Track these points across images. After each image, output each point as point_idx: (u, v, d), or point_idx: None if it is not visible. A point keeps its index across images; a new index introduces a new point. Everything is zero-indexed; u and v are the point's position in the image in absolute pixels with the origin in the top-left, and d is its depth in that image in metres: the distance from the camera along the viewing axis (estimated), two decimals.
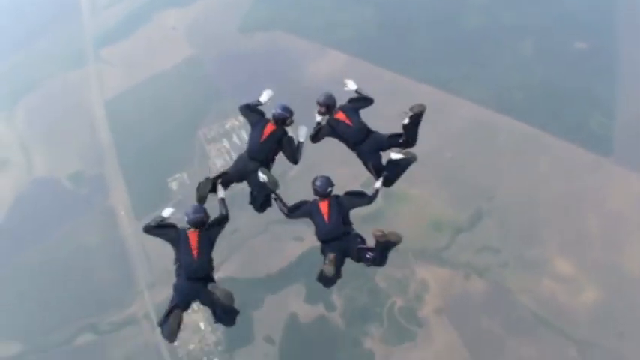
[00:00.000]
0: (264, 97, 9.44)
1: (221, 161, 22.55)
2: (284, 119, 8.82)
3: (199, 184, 8.64)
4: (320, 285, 8.73)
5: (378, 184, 8.82)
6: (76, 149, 24.58)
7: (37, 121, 26.13)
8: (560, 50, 24.76)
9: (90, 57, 27.84)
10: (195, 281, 7.81)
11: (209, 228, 8.04)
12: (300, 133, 9.02)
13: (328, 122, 9.20)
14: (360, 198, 8.65)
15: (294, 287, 19.72)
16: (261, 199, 9.05)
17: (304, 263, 19.85)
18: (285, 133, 8.92)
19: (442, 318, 19.13)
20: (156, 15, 29.29)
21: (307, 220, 8.43)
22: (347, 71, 23.51)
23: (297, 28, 26.61)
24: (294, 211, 8.62)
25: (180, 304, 7.75)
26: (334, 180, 8.38)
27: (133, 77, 26.55)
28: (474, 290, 19.51)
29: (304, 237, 20.04)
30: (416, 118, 9.21)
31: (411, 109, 9.10)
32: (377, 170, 9.14)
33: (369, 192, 8.68)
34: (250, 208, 9.24)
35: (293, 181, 18.34)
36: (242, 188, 9.11)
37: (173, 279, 7.82)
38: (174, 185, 22.28)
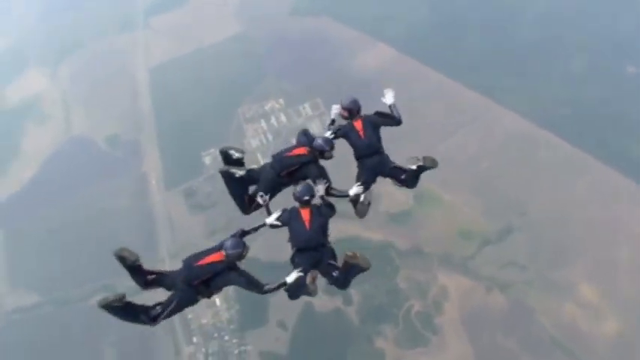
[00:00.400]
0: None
1: (257, 141, 22.57)
2: (322, 151, 8.69)
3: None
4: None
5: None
6: (116, 112, 24.93)
7: (81, 80, 26.61)
8: (612, 72, 23.99)
9: (139, 23, 28.22)
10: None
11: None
12: (319, 187, 8.84)
13: (344, 126, 9.06)
14: (330, 210, 8.49)
15: None
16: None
17: None
18: (316, 160, 8.76)
19: (458, 328, 18.87)
20: None
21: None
22: (394, 67, 23.36)
23: (348, 17, 26.36)
24: (276, 223, 8.48)
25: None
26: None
27: (179, 48, 26.75)
28: (494, 304, 19.16)
29: (329, 227, 19.88)
30: (422, 170, 8.97)
31: (424, 159, 8.86)
32: (365, 184, 8.98)
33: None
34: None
35: None
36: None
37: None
38: (207, 160, 22.29)
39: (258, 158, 21.59)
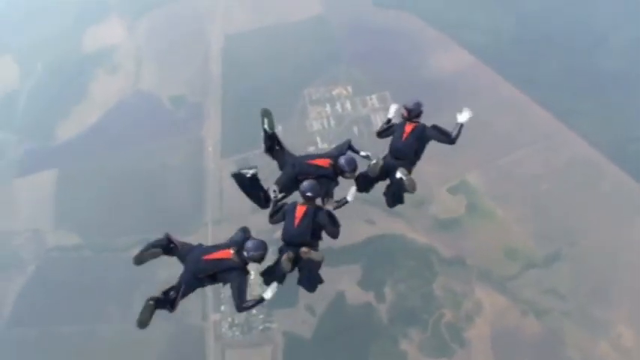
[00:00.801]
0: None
1: (318, 124, 22.40)
2: (342, 171, 8.66)
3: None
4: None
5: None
6: (185, 74, 25.24)
7: (157, 37, 27.03)
8: None
9: None
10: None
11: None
12: (328, 207, 8.82)
13: (397, 124, 8.98)
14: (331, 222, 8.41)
15: (351, 267, 19.56)
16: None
17: (369, 247, 19.70)
18: (335, 177, 8.74)
19: (486, 346, 18.45)
20: None
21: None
22: (469, 73, 22.99)
23: (432, 17, 25.76)
24: (276, 215, 8.46)
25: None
26: None
27: (259, 20, 26.71)
28: (526, 329, 18.70)
29: (376, 221, 19.95)
30: (401, 186, 8.91)
31: (407, 179, 8.77)
32: (364, 183, 8.93)
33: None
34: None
35: None
36: None
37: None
38: None
39: (317, 141, 21.71)
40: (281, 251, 8.49)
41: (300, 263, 8.65)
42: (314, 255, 8.18)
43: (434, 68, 23.57)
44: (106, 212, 21.40)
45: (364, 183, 9.71)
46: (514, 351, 18.51)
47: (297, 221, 8.14)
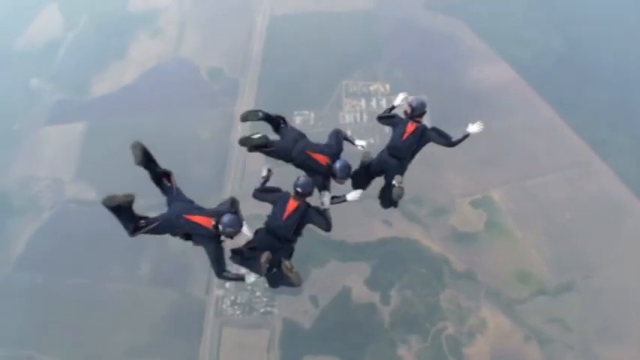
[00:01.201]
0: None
1: (351, 117, 22.52)
2: (334, 175, 8.57)
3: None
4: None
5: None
6: (226, 48, 25.31)
7: (204, 7, 27.16)
8: None
9: None
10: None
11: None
12: (324, 199, 8.70)
13: (399, 118, 8.87)
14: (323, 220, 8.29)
15: (361, 265, 19.54)
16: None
17: (382, 248, 19.66)
18: (328, 176, 8.68)
19: None
20: None
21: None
22: (509, 88, 22.63)
23: (481, 27, 25.61)
24: (263, 193, 8.36)
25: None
26: None
27: (309, 5, 26.78)
28: (527, 355, 18.51)
29: (393, 223, 19.87)
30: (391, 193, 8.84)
31: (398, 187, 8.68)
32: (357, 180, 8.86)
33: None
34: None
35: None
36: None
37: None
38: (297, 119, 22.34)
39: (347, 134, 21.33)
40: (257, 233, 8.33)
41: (278, 267, 8.61)
42: (293, 278, 8.13)
43: (475, 78, 23.38)
44: (126, 172, 21.41)
45: (360, 180, 9.64)
46: None
47: (286, 214, 7.97)
